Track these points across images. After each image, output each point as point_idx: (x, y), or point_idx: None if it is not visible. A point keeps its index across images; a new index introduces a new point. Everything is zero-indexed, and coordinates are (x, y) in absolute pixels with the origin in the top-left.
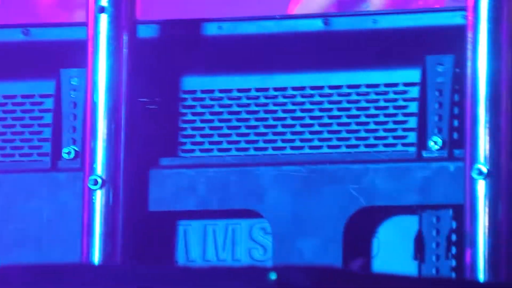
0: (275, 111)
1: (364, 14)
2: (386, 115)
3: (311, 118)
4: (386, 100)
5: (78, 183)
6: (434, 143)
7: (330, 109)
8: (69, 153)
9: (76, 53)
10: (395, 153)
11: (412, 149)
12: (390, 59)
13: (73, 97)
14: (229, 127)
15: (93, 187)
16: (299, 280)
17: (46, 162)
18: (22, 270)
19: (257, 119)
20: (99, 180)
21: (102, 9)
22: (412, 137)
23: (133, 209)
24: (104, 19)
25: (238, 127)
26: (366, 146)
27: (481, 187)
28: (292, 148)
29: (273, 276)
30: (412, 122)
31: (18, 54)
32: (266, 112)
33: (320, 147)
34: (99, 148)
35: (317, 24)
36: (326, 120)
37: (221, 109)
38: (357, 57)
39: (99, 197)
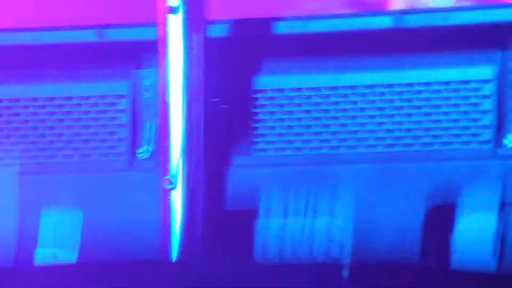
0: (346, 110)
1: (436, 11)
2: (459, 113)
3: (384, 116)
4: (459, 98)
5: (155, 182)
6: (510, 140)
7: (401, 107)
8: (144, 152)
9: (148, 54)
10: (470, 151)
11: (488, 147)
12: (462, 55)
13: (148, 97)
14: (301, 126)
15: (168, 187)
16: (372, 277)
17: (122, 161)
18: (101, 267)
19: (328, 118)
20: (175, 180)
21: (173, 9)
22: (487, 134)
23: (210, 208)
24: (175, 19)
25: (310, 126)
26: (441, 144)
27: None
28: (366, 146)
29: (346, 273)
30: (487, 119)
31: (92, 55)
32: (337, 110)
33: (393, 145)
34: (174, 148)
35: (387, 22)
36: (398, 119)
37: (292, 108)
38: (428, 54)
39: (176, 197)
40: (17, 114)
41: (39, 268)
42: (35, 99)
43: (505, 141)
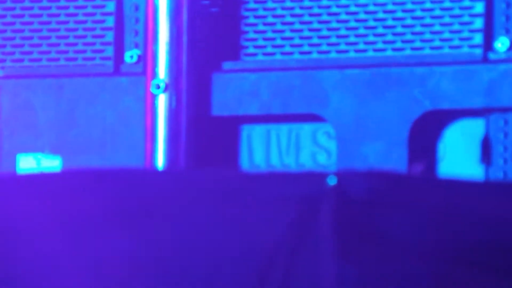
0: (338, 13)
1: None
2: (451, 16)
3: (375, 20)
4: (451, 1)
5: (141, 87)
6: (501, 44)
7: (394, 11)
8: (131, 57)
9: None
10: (460, 55)
11: (478, 51)
12: None
13: (135, 0)
14: (292, 30)
15: (155, 92)
16: (358, 185)
17: (109, 66)
18: (85, 174)
19: (320, 22)
20: (162, 84)
21: None
22: (478, 38)
23: (196, 113)
24: None
25: (301, 30)
26: (431, 48)
27: None
28: (356, 51)
29: (332, 181)
30: (478, 22)
31: None
32: (329, 14)
33: (384, 49)
34: (161, 52)
35: None
36: (390, 22)
37: (283, 12)
38: None
39: (161, 101)
40: (3, 16)
41: (23, 176)
42: (22, 1)
43: (496, 45)
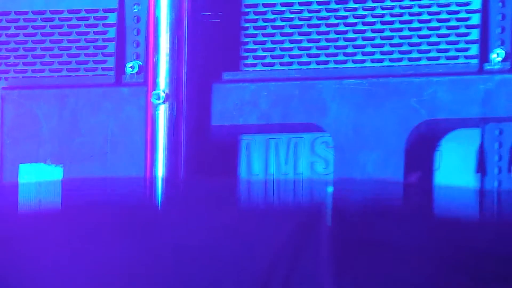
0: (336, 25)
1: None
2: (448, 28)
3: (373, 31)
4: (448, 12)
5: (142, 97)
6: (497, 55)
7: (391, 22)
8: (132, 67)
9: None
10: (457, 65)
11: (475, 62)
12: None
13: (136, 12)
14: (291, 41)
15: (156, 102)
16: (356, 192)
17: (110, 76)
18: (87, 182)
19: (318, 33)
20: (162, 95)
21: None
22: (474, 49)
23: (196, 123)
24: None
25: (300, 41)
26: (428, 59)
27: None
28: (354, 61)
29: (330, 189)
30: (475, 34)
31: None
32: (328, 25)
33: (382, 60)
34: (162, 62)
35: None
36: (387, 33)
37: (283, 23)
38: None
39: (162, 112)
40: (6, 28)
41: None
42: (25, 13)
43: (492, 56)
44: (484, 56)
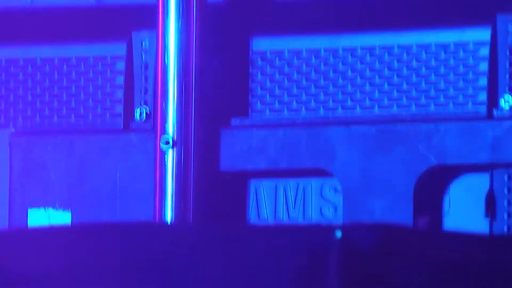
0: (344, 71)
1: None
2: (456, 74)
3: (380, 77)
4: (456, 59)
5: (150, 143)
6: (505, 101)
7: (399, 69)
8: (141, 114)
9: (148, 16)
10: (465, 111)
11: (483, 108)
12: (460, 18)
13: (144, 59)
14: (298, 87)
15: (164, 147)
16: (364, 238)
17: (119, 123)
18: (95, 228)
19: (326, 79)
20: (171, 141)
21: None
22: (482, 95)
23: (205, 169)
24: None
25: (308, 87)
26: (436, 105)
27: None
28: (362, 107)
29: (338, 234)
30: (483, 81)
31: (90, 18)
32: (335, 72)
33: (390, 106)
34: (170, 109)
35: None
36: (395, 80)
37: (290, 69)
38: (427, 16)
39: (170, 157)
40: (15, 74)
41: (32, 230)
42: (34, 59)
43: (500, 102)
44: (492, 102)
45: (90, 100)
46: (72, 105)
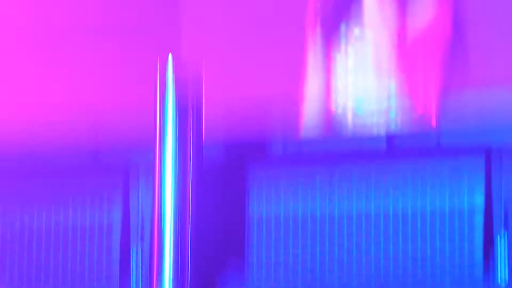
0: (341, 243)
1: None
2: (451, 247)
3: (377, 249)
4: (450, 230)
5: None
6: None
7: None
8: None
9: (140, 178)
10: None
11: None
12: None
13: (138, 222)
14: (295, 261)
15: None
16: None
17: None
18: None
19: (322, 253)
20: None
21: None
22: (479, 270)
23: None
24: (168, 144)
25: (304, 262)
26: (432, 279)
27: None
28: (358, 280)
29: None
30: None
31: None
32: (331, 244)
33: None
34: (165, 273)
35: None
36: (386, 264)
37: (286, 238)
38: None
39: None
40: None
41: None
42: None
43: (499, 280)
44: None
45: (83, 265)
46: (63, 272)
